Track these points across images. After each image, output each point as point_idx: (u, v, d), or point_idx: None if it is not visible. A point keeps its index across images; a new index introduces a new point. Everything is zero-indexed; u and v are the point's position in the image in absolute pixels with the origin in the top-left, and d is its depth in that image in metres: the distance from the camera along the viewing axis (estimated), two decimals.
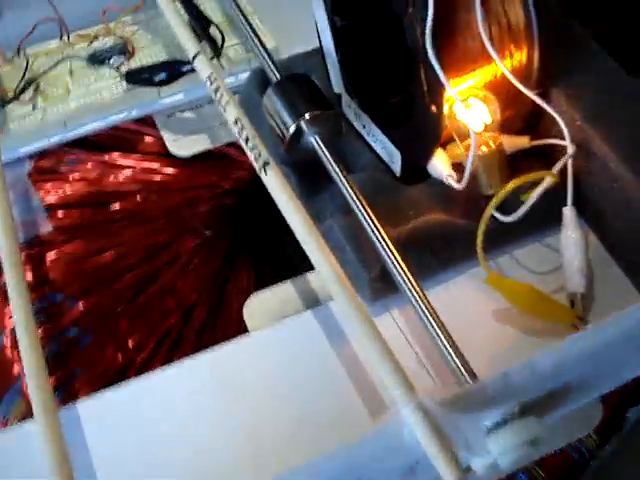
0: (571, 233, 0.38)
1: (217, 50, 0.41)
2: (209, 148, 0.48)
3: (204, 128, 0.48)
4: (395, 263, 0.35)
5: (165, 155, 0.48)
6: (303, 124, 0.39)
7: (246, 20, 0.48)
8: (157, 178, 0.47)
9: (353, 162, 0.45)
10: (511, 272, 0.39)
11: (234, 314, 0.41)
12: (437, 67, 0.35)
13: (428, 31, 0.34)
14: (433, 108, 0.37)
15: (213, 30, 0.48)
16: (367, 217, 0.37)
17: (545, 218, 0.39)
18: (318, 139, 0.39)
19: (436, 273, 0.39)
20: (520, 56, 0.38)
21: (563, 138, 0.39)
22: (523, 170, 0.37)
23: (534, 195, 0.37)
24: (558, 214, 0.39)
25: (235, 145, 0.47)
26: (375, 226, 0.36)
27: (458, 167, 0.39)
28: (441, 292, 0.38)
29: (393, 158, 0.42)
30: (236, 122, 0.35)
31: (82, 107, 0.46)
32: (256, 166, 0.34)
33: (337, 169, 0.38)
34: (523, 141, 0.41)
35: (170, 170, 0.47)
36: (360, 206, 0.37)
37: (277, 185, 0.33)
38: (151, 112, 0.48)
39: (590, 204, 0.40)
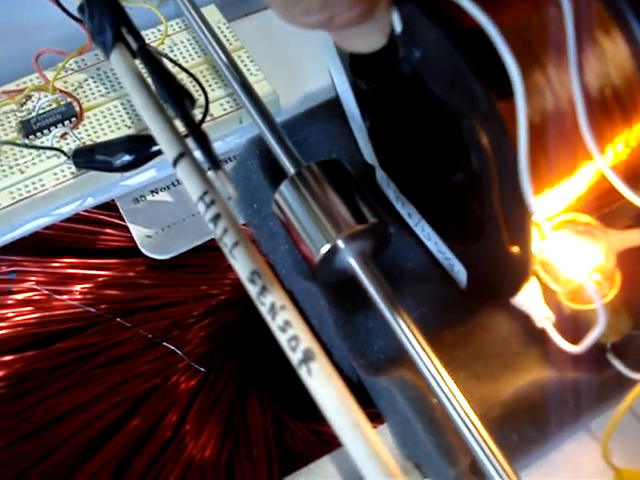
0: None
1: (210, 152, 0.23)
2: (197, 244, 0.35)
3: (187, 216, 0.35)
4: (487, 450, 0.24)
5: (133, 254, 0.35)
6: (340, 242, 0.27)
7: (230, 61, 0.35)
8: (129, 293, 0.34)
9: (399, 260, 0.33)
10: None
11: None
12: (530, 196, 0.22)
13: (523, 147, 0.21)
14: (514, 249, 0.25)
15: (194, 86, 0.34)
16: (441, 381, 0.25)
17: None
18: (359, 260, 0.27)
19: (536, 447, 0.27)
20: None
21: None
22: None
23: None
24: None
25: None
26: (454, 396, 0.24)
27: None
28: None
29: (455, 267, 0.30)
30: (252, 279, 0.22)
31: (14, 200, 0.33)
32: (292, 359, 0.21)
33: (386, 301, 0.26)
34: (633, 238, 0.29)
35: (145, 280, 0.35)
36: (428, 363, 0.25)
37: (325, 392, 0.21)
38: (111, 197, 0.36)
39: None
